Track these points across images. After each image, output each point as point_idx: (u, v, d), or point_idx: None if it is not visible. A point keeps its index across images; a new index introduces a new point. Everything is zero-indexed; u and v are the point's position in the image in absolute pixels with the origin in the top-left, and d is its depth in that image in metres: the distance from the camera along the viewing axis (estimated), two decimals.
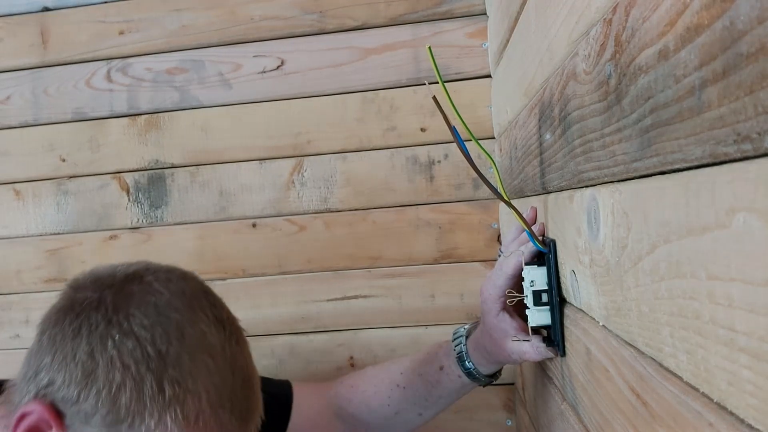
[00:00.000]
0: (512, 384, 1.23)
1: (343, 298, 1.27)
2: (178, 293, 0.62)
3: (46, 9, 1.36)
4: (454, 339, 0.89)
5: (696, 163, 0.29)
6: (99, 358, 0.56)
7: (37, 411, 0.57)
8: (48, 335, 0.60)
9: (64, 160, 1.35)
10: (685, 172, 0.31)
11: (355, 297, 1.27)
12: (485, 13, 1.23)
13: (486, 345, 0.82)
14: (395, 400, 0.94)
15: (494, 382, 0.89)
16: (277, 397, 0.94)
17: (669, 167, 0.32)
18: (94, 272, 0.64)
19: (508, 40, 0.94)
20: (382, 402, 0.95)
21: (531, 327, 0.67)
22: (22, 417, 0.58)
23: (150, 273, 0.63)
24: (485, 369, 0.86)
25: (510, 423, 1.23)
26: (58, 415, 0.57)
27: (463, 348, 0.87)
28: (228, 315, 0.67)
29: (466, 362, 0.86)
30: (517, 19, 0.83)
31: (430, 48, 0.58)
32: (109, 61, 1.34)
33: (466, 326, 0.89)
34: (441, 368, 0.90)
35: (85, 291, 0.61)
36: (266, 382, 0.74)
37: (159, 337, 0.58)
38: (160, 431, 0.56)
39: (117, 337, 0.57)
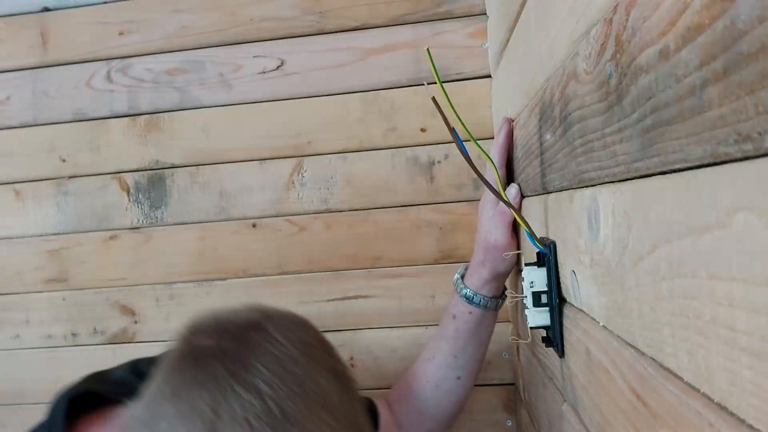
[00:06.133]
0: (512, 384, 1.23)
1: (343, 299, 1.27)
2: (297, 344, 0.61)
3: (46, 9, 1.36)
4: (454, 283, 0.96)
5: (697, 163, 0.29)
6: (222, 413, 0.54)
7: None
8: (167, 380, 0.58)
9: (64, 161, 1.35)
10: (685, 172, 0.31)
11: (356, 297, 1.27)
12: (485, 13, 1.23)
13: (480, 258, 0.89)
14: (430, 373, 0.97)
15: (502, 303, 0.95)
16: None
17: (670, 167, 0.32)
18: (212, 316, 0.63)
19: (508, 40, 0.94)
20: (420, 382, 0.98)
21: (530, 328, 0.67)
22: None
23: (269, 321, 0.62)
24: (487, 290, 0.91)
25: (510, 423, 1.23)
26: None
27: (458, 280, 0.94)
28: (343, 367, 0.66)
29: (467, 290, 0.92)
30: (517, 19, 0.83)
31: (428, 50, 0.58)
32: (109, 61, 1.34)
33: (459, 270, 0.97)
34: (453, 317, 0.94)
35: (203, 337, 0.60)
36: None
37: (281, 393, 0.56)
38: None
39: (240, 391, 0.55)
